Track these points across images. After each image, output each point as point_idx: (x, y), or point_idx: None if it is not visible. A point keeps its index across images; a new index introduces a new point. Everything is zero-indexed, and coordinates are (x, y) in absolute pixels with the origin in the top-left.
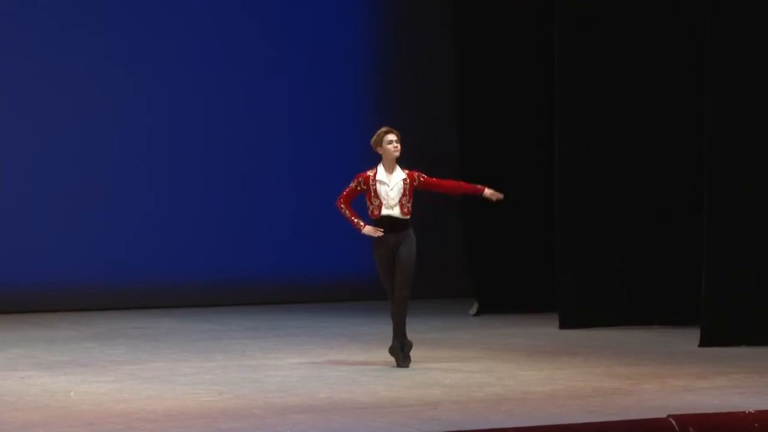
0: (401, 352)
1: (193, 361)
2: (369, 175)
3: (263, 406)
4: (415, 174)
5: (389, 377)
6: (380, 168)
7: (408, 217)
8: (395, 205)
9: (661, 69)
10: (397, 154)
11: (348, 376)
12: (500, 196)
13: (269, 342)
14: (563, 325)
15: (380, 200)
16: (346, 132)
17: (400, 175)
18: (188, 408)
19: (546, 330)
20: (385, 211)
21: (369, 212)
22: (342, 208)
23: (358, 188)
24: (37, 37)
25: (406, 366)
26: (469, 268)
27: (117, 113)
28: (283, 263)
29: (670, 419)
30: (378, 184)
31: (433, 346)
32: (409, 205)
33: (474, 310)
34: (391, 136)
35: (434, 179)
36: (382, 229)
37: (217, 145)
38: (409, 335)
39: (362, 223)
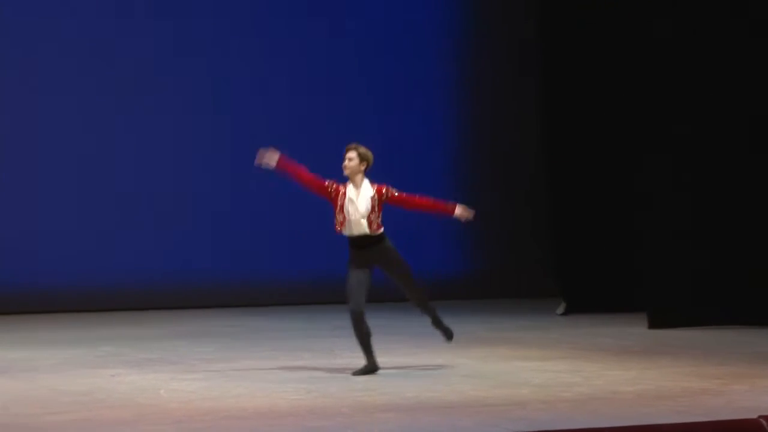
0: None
1: (282, 359)
2: (340, 189)
3: (351, 404)
4: (384, 189)
5: (476, 376)
6: (349, 183)
7: (379, 231)
8: (362, 221)
9: (744, 71)
10: (346, 172)
11: (435, 375)
12: (470, 215)
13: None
14: (652, 325)
15: (344, 216)
16: (435, 126)
17: (368, 191)
18: (277, 406)
19: (634, 330)
20: (349, 228)
21: (334, 225)
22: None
23: (327, 187)
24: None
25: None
26: (556, 267)
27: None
28: None
29: (761, 420)
30: (346, 199)
31: (520, 345)
32: (378, 220)
33: (561, 309)
34: (348, 153)
35: (404, 194)
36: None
37: (306, 141)
38: (496, 333)
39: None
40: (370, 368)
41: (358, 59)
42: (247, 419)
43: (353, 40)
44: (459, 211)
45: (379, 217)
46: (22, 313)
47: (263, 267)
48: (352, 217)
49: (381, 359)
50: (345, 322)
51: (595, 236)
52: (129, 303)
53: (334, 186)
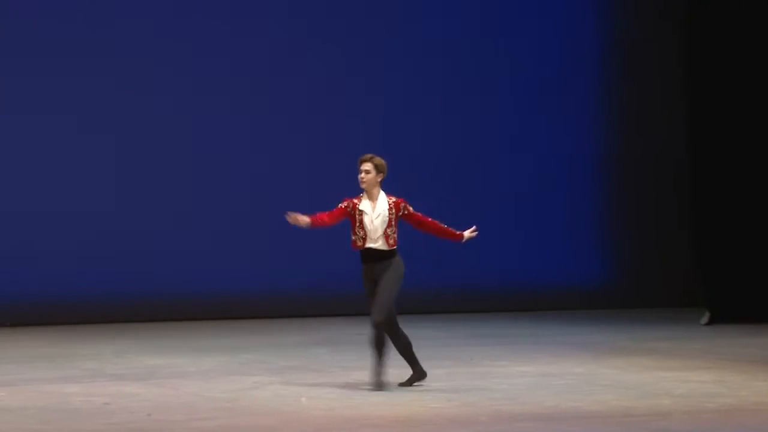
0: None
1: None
2: (356, 203)
3: (491, 413)
4: (401, 204)
5: (617, 386)
6: (363, 197)
7: (393, 248)
8: (380, 237)
9: None
10: (363, 185)
11: (576, 385)
12: (475, 233)
13: (497, 349)
14: None
15: (365, 231)
16: (581, 131)
17: (384, 204)
18: (417, 414)
19: None
20: (369, 244)
21: (352, 243)
22: (314, 219)
23: (346, 209)
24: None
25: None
26: (700, 276)
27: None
28: (511, 271)
29: None
30: (363, 215)
31: (662, 355)
32: (395, 235)
33: (705, 319)
34: (363, 165)
35: (419, 214)
36: (307, 220)
37: (455, 144)
38: (638, 343)
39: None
40: (418, 376)
41: (508, 63)
42: (387, 427)
43: (501, 41)
44: (468, 235)
45: (395, 231)
46: (166, 320)
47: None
48: (370, 232)
49: (522, 368)
50: (484, 330)
51: (742, 244)
52: (270, 311)
53: (351, 203)
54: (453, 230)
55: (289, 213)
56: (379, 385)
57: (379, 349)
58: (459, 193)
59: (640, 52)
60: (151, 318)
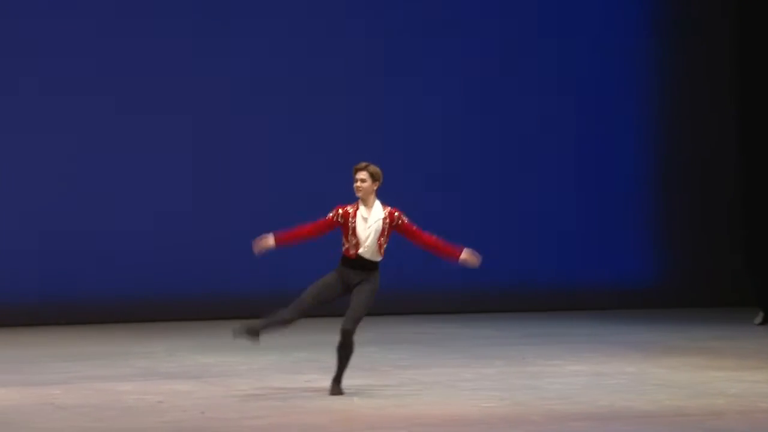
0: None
1: (474, 366)
2: (350, 211)
3: (543, 413)
4: (396, 214)
5: (670, 385)
6: (360, 204)
7: (380, 259)
8: (371, 246)
9: None
10: (359, 194)
11: (629, 384)
12: (477, 261)
13: (550, 348)
14: None
15: (357, 239)
16: (631, 134)
17: (379, 213)
18: (469, 414)
19: None
20: (361, 251)
21: (344, 250)
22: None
23: (335, 219)
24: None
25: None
26: (754, 276)
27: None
28: (565, 271)
29: None
30: (358, 222)
31: (715, 354)
32: (386, 246)
33: (759, 319)
34: (357, 174)
35: (414, 227)
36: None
37: (513, 148)
38: (690, 342)
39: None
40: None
41: (562, 65)
42: (439, 426)
43: (556, 43)
44: (465, 255)
45: (386, 242)
46: (218, 319)
47: (454, 275)
48: (362, 240)
49: (575, 367)
50: (536, 330)
51: None
52: (322, 310)
53: (340, 212)
54: (451, 247)
55: (255, 242)
56: (336, 392)
57: (345, 355)
58: (517, 194)
59: (692, 54)
60: (203, 316)
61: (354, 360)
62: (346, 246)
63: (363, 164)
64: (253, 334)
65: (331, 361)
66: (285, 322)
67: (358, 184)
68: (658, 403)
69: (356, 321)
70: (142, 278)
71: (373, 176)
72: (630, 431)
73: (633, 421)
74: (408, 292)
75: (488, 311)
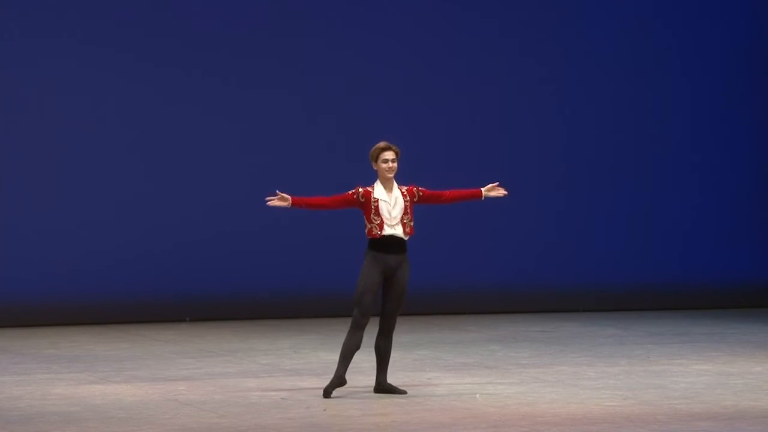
0: (387, 387)
1: (597, 365)
2: (370, 191)
3: (668, 412)
4: (414, 189)
5: None
6: (378, 186)
7: (409, 237)
8: (397, 224)
9: None
10: (390, 175)
11: (755, 384)
12: (502, 190)
13: (674, 347)
14: None
15: (381, 218)
16: (750, 134)
17: (398, 192)
18: (592, 412)
19: None
20: (387, 231)
21: (367, 231)
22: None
23: (355, 197)
24: None
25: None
26: None
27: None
28: (688, 271)
29: None
30: (380, 202)
31: None
32: (411, 224)
33: None
34: (388, 154)
35: (435, 191)
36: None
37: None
38: (757, 340)
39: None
40: (338, 381)
41: (679, 64)
42: (562, 425)
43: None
44: (487, 191)
45: (411, 220)
46: (341, 316)
47: (570, 274)
48: (386, 219)
49: (700, 367)
50: (661, 329)
51: None
52: (442, 307)
53: (360, 191)
54: (473, 190)
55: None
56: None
57: (385, 353)
58: (639, 193)
59: None
60: (326, 314)
61: (477, 358)
62: (369, 227)
63: (387, 143)
64: (340, 382)
65: (453, 359)
66: (357, 349)
67: (390, 164)
68: None
69: (396, 315)
70: (268, 276)
71: (398, 156)
72: (756, 431)
73: (759, 421)
74: (530, 290)
75: (617, 310)
